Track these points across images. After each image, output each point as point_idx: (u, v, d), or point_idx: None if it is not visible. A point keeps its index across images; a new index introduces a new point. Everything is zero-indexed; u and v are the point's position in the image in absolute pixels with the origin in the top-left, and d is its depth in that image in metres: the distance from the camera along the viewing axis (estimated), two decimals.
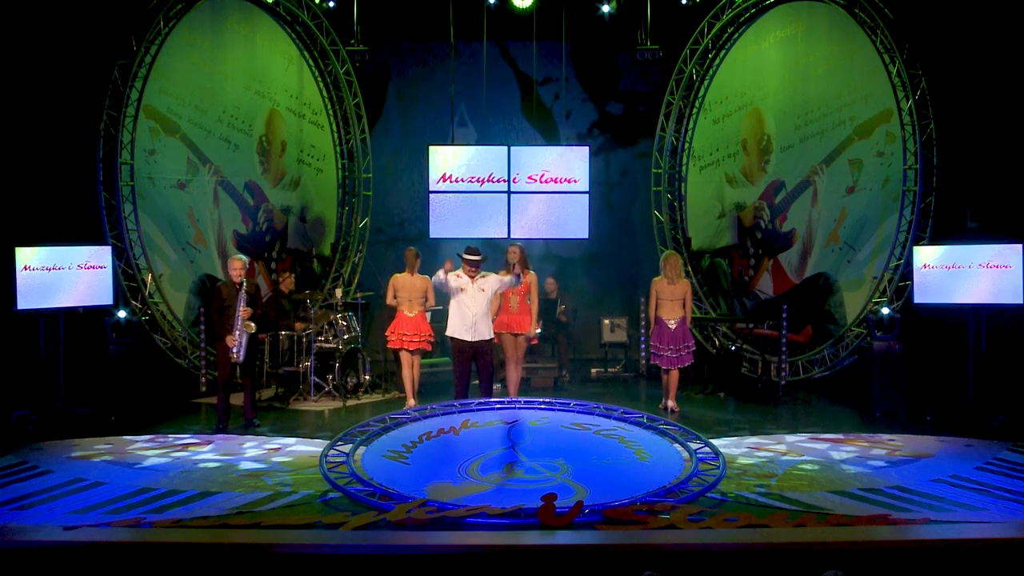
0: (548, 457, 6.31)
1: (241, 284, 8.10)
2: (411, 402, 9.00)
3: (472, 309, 8.19)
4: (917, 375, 9.07)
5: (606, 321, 12.12)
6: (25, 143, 8.68)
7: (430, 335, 9.23)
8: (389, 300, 9.25)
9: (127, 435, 7.84)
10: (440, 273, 8.19)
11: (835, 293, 10.65)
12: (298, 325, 9.89)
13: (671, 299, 8.95)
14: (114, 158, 9.59)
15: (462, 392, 8.27)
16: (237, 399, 8.42)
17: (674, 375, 9.03)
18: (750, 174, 11.79)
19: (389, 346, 9.28)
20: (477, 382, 8.68)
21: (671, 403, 9.00)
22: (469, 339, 8.19)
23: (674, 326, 8.94)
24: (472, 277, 8.27)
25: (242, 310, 8.03)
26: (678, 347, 8.93)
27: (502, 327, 8.73)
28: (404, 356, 9.11)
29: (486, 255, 8.50)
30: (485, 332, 8.25)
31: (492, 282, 8.33)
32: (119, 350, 8.73)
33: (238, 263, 8.19)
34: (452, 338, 8.30)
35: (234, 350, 8.03)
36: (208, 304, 9.41)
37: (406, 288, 9.15)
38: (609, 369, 11.98)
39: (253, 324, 8.08)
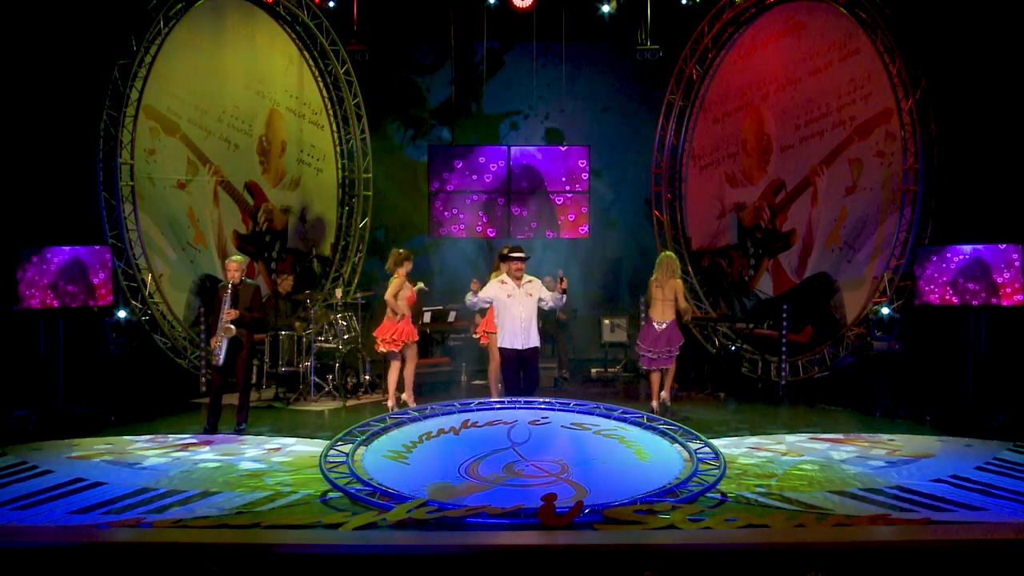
0: (548, 457, 6.30)
1: (230, 285, 7.94)
2: (397, 396, 8.99)
3: (521, 314, 7.77)
4: (917, 375, 9.07)
5: (606, 321, 12.13)
6: (25, 143, 8.68)
7: (400, 336, 8.98)
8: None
9: (127, 435, 7.84)
10: (469, 295, 7.74)
11: (835, 293, 10.64)
12: (297, 325, 9.88)
13: (660, 300, 8.91)
14: (114, 158, 9.59)
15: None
16: (234, 398, 8.39)
17: (655, 377, 8.93)
18: (750, 174, 11.79)
19: (387, 351, 9.16)
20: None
21: (660, 398, 8.90)
22: (520, 347, 7.78)
23: (660, 328, 8.86)
24: (517, 281, 7.84)
25: (225, 312, 7.89)
26: (659, 350, 8.81)
27: (491, 326, 8.74)
28: (405, 358, 9.08)
29: (530, 253, 8.13)
30: (534, 339, 7.84)
31: (539, 288, 7.91)
32: (119, 350, 8.73)
33: (232, 264, 8.02)
34: (502, 348, 7.87)
35: (214, 352, 7.91)
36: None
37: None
38: (609, 369, 11.98)
39: (232, 327, 7.88)
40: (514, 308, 7.79)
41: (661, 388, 9.01)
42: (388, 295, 8.85)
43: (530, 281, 7.93)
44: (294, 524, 5.14)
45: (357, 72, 12.40)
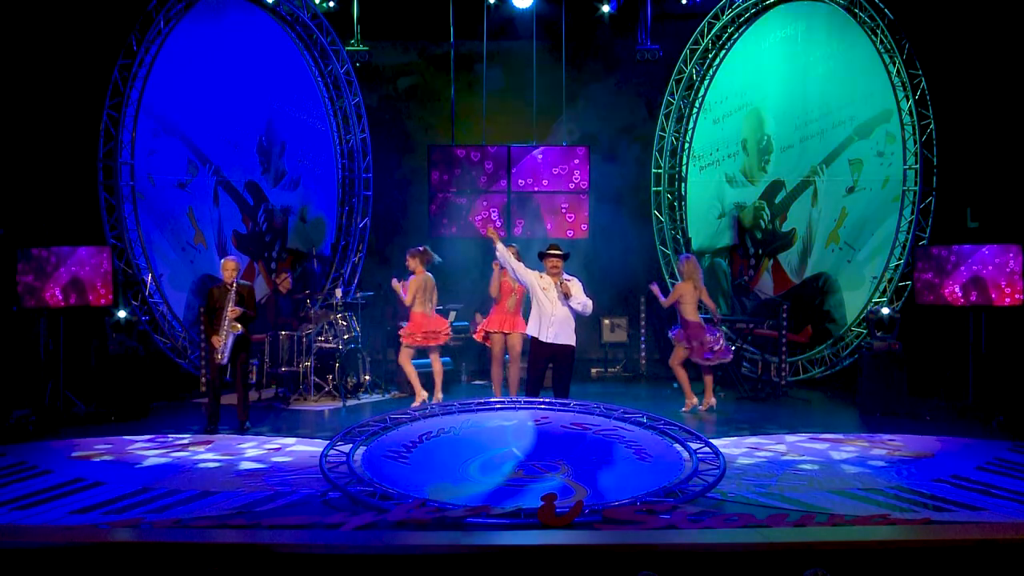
0: (548, 457, 6.30)
1: (232, 285, 7.96)
2: (439, 396, 9.06)
3: (551, 311, 7.65)
4: (917, 375, 9.07)
5: (606, 321, 12.10)
6: (26, 144, 8.69)
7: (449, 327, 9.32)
8: (410, 301, 9.02)
9: (127, 435, 7.84)
10: (500, 249, 7.71)
11: (835, 293, 10.65)
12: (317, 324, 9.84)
13: (694, 302, 9.00)
14: (114, 158, 9.59)
15: (532, 394, 7.80)
16: (233, 399, 8.39)
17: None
18: (750, 174, 11.79)
19: (414, 345, 9.08)
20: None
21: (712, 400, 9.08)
22: (545, 340, 7.67)
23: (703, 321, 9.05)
24: (555, 278, 7.70)
25: (230, 310, 7.89)
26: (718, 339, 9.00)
27: (492, 325, 8.79)
28: (433, 355, 9.18)
29: (568, 252, 7.96)
30: (563, 337, 7.66)
31: (578, 289, 7.73)
32: (119, 350, 8.73)
33: (230, 264, 8.03)
34: (531, 337, 7.83)
35: (219, 351, 7.90)
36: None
37: (424, 289, 9.08)
38: (609, 369, 11.97)
39: (239, 324, 7.91)
40: (545, 304, 7.68)
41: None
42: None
43: (569, 280, 7.76)
44: (294, 524, 5.14)
45: (358, 72, 12.38)
